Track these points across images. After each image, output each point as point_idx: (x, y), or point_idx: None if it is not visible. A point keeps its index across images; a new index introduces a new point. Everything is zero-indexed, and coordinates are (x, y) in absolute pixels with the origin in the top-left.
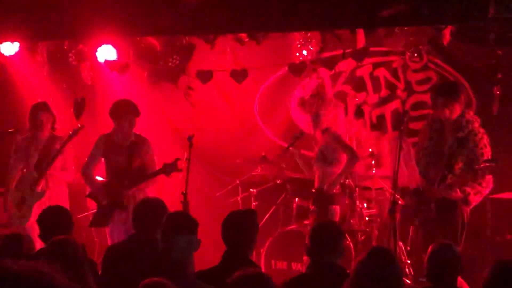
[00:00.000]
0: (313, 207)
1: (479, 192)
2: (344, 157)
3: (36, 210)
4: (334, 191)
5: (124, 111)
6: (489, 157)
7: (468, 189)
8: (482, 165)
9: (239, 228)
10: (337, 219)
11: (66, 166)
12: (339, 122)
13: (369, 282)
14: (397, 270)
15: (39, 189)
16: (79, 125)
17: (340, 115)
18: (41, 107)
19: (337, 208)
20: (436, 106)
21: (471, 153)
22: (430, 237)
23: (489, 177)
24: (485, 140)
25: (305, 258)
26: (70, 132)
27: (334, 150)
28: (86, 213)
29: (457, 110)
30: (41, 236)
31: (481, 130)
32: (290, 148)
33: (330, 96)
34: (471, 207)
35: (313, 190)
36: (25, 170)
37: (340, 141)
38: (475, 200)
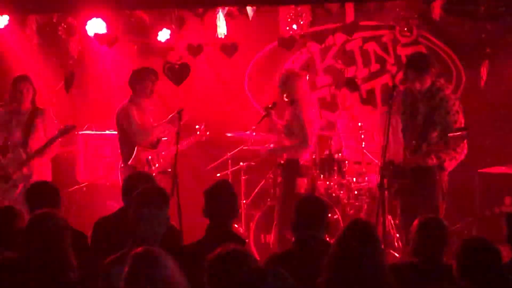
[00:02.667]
0: (280, 179)
1: (454, 157)
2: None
3: (21, 188)
4: (304, 163)
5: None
6: (462, 123)
7: (443, 156)
8: (454, 133)
9: (216, 200)
10: (302, 191)
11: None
12: (303, 92)
13: (347, 256)
14: (375, 243)
15: (26, 171)
16: (72, 125)
17: (304, 85)
18: (22, 79)
19: (304, 180)
20: (407, 79)
21: (444, 120)
22: (409, 208)
23: (463, 143)
24: (457, 106)
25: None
26: (62, 128)
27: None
28: (76, 187)
29: (427, 81)
30: (30, 212)
31: (452, 96)
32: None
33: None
34: (446, 173)
35: (282, 162)
36: (9, 143)
37: (299, 120)
38: (450, 165)
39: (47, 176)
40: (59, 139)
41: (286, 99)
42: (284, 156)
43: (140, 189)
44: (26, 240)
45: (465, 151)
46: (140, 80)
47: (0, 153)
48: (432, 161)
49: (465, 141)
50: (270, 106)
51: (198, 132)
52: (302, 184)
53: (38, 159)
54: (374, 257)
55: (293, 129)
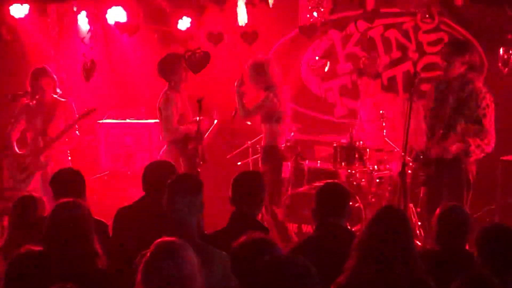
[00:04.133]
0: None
1: (480, 146)
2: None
3: (37, 177)
4: (282, 147)
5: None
6: (492, 117)
7: (470, 140)
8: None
9: (246, 189)
10: (287, 175)
11: (70, 135)
12: (276, 76)
13: (378, 242)
14: (407, 229)
15: (43, 158)
16: (92, 108)
17: (274, 68)
18: (40, 73)
19: (287, 164)
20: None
21: (473, 113)
22: (433, 197)
23: (492, 136)
24: (488, 100)
25: None
26: (83, 112)
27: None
28: (97, 175)
29: (457, 66)
30: (55, 198)
31: (484, 89)
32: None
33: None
34: (472, 160)
35: (260, 150)
36: (28, 134)
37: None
38: (475, 153)
39: (66, 166)
40: (77, 126)
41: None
42: (262, 143)
43: (174, 178)
44: (52, 229)
45: (492, 144)
46: (171, 66)
47: (18, 145)
48: (455, 147)
49: (493, 134)
50: (233, 113)
51: (215, 121)
52: (286, 168)
53: (57, 148)
54: (405, 242)
55: (270, 113)
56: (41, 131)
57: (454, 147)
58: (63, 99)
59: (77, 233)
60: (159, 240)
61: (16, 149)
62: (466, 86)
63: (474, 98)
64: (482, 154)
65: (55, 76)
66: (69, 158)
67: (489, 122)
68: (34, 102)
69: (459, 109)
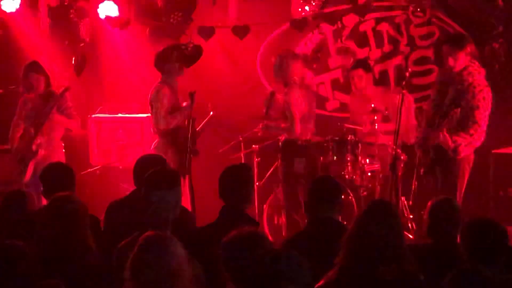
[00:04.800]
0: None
1: (470, 143)
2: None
3: (31, 167)
4: (302, 143)
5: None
6: (487, 109)
7: (459, 140)
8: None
9: (235, 183)
10: (301, 171)
11: (68, 113)
12: (296, 75)
13: (368, 236)
14: (396, 224)
15: (34, 147)
16: (65, 87)
17: (298, 67)
18: (31, 69)
19: (302, 160)
20: (442, 56)
21: (467, 104)
22: (433, 187)
23: (482, 130)
24: (485, 93)
25: None
26: (57, 94)
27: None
28: (89, 170)
29: (461, 60)
30: (44, 193)
31: (483, 82)
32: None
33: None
34: (459, 157)
35: (280, 144)
36: (25, 128)
37: (288, 104)
38: (465, 151)
39: (60, 157)
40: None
41: (281, 81)
42: (282, 137)
43: (149, 172)
44: (47, 223)
45: (482, 138)
46: (166, 59)
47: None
48: (448, 141)
49: (484, 128)
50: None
51: (211, 112)
52: (301, 164)
53: (48, 139)
54: (394, 237)
55: (285, 112)
56: (33, 123)
57: (443, 142)
58: (55, 91)
59: (72, 228)
60: (146, 233)
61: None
62: (466, 77)
63: (471, 90)
64: (471, 150)
65: (45, 71)
66: (63, 150)
67: (481, 115)
68: (28, 97)
69: (457, 100)
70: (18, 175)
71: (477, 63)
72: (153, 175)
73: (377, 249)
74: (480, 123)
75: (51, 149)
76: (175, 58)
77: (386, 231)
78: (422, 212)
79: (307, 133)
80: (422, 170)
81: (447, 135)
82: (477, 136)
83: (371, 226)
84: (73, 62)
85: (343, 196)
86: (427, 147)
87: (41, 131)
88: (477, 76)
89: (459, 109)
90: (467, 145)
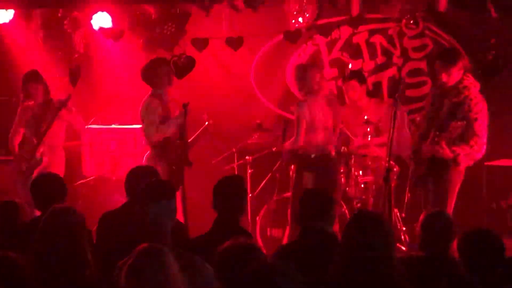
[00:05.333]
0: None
1: (470, 154)
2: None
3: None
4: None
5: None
6: (484, 122)
7: (458, 150)
8: (457, 123)
9: (228, 195)
10: (310, 186)
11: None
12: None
13: (356, 246)
14: (384, 234)
15: (38, 155)
16: (66, 97)
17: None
18: (30, 78)
19: (312, 175)
20: (435, 70)
21: (464, 117)
22: (425, 199)
23: (482, 142)
24: (481, 105)
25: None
26: (58, 105)
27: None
28: (82, 181)
29: (454, 75)
30: (35, 204)
31: (479, 95)
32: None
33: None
34: (461, 168)
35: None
36: (25, 136)
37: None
38: (464, 161)
39: (60, 166)
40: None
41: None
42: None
43: (145, 184)
44: (44, 235)
45: (483, 150)
46: (153, 71)
47: (18, 147)
48: (445, 151)
49: (484, 140)
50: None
51: (206, 123)
52: (309, 179)
53: (51, 148)
54: (382, 249)
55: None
56: (34, 132)
57: (442, 152)
58: (55, 99)
59: (71, 241)
60: (141, 245)
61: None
62: (462, 91)
63: (467, 103)
64: (471, 162)
65: (44, 80)
66: (64, 159)
67: (480, 127)
68: (28, 106)
69: (453, 112)
70: (22, 185)
71: (471, 76)
72: (150, 186)
73: (365, 260)
74: (479, 134)
75: (53, 157)
76: (163, 71)
77: (373, 242)
78: (414, 225)
79: (325, 144)
80: (414, 182)
81: (445, 147)
82: (478, 147)
83: (358, 237)
84: (67, 73)
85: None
86: (420, 160)
87: (43, 141)
88: (473, 89)
89: (459, 123)
90: (466, 155)
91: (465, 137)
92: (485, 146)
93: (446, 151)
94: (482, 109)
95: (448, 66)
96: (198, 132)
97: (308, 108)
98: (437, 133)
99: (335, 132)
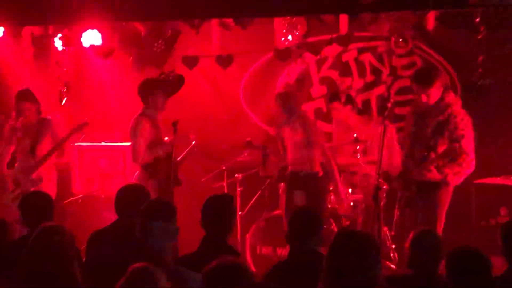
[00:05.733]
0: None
1: (459, 172)
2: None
3: None
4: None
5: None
6: (471, 138)
7: (446, 170)
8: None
9: (217, 214)
10: (301, 203)
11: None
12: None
13: (339, 266)
14: (367, 251)
15: (35, 176)
16: (84, 122)
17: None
18: (22, 96)
19: (301, 193)
20: (414, 92)
21: (452, 134)
22: (413, 219)
23: (471, 159)
24: (466, 121)
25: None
26: (74, 127)
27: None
28: (71, 199)
29: (434, 95)
30: (23, 222)
31: (462, 111)
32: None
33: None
34: (450, 187)
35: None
36: (17, 155)
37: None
38: (454, 180)
39: (53, 186)
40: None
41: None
42: (289, 168)
43: (147, 203)
44: (33, 253)
45: (472, 166)
46: (151, 90)
47: (6, 166)
48: (434, 175)
49: (472, 156)
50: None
51: (193, 142)
52: (300, 197)
53: (46, 168)
54: (364, 268)
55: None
56: (29, 151)
57: (433, 174)
58: (48, 118)
59: (60, 261)
60: (133, 265)
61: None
62: (445, 109)
63: (452, 121)
64: (462, 179)
65: (37, 99)
66: (56, 179)
67: (467, 144)
68: (20, 124)
69: (439, 131)
70: (11, 201)
71: (452, 93)
72: (152, 205)
73: (347, 279)
74: (467, 151)
75: (46, 175)
76: (160, 94)
77: (355, 261)
78: (404, 244)
79: (306, 162)
80: (402, 203)
81: (434, 170)
82: (466, 165)
83: (340, 257)
84: (57, 91)
85: (325, 226)
86: (408, 181)
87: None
88: (455, 106)
89: (454, 145)
90: (456, 174)
91: (452, 156)
92: (473, 162)
93: (435, 174)
94: (468, 125)
95: (425, 87)
96: (185, 152)
97: (286, 128)
98: (425, 154)
99: (316, 149)
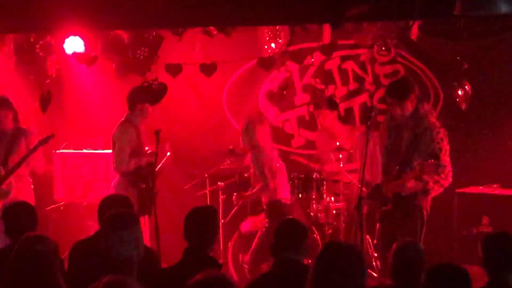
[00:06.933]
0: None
1: (438, 182)
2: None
3: (1, 207)
4: (285, 201)
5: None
6: (447, 151)
7: (426, 178)
8: (429, 162)
9: (199, 227)
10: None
11: (35, 157)
12: (263, 137)
13: (326, 278)
14: (354, 264)
15: (4, 187)
16: (50, 135)
17: (264, 130)
18: None
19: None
20: (388, 104)
21: (428, 148)
22: (389, 233)
23: (448, 170)
24: (442, 134)
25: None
26: (40, 139)
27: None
28: (53, 206)
29: (408, 107)
30: (6, 232)
31: (437, 124)
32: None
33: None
34: (430, 197)
35: (264, 206)
36: None
37: (258, 165)
38: (434, 189)
39: (29, 194)
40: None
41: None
42: (264, 199)
43: (107, 215)
44: (16, 264)
45: (450, 178)
46: (142, 99)
47: None
48: (415, 186)
49: (450, 168)
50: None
51: (168, 153)
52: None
53: (17, 177)
54: (351, 281)
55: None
56: (2, 161)
57: (411, 185)
58: (24, 127)
59: (44, 271)
60: (105, 277)
61: None
62: (420, 121)
63: (428, 133)
64: (441, 189)
65: (14, 107)
66: (32, 186)
67: (445, 156)
68: None
69: (414, 145)
70: None
71: (426, 104)
72: (109, 216)
73: None
74: (445, 163)
75: (20, 186)
76: (147, 103)
77: (341, 273)
78: (387, 254)
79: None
80: (380, 218)
81: (410, 186)
82: (445, 176)
83: (326, 269)
84: (39, 98)
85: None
86: (385, 197)
87: (12, 174)
88: (431, 117)
89: (430, 161)
90: (435, 183)
91: (430, 169)
92: (451, 173)
93: (414, 185)
94: (443, 137)
95: (401, 101)
96: (162, 162)
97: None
98: (400, 168)
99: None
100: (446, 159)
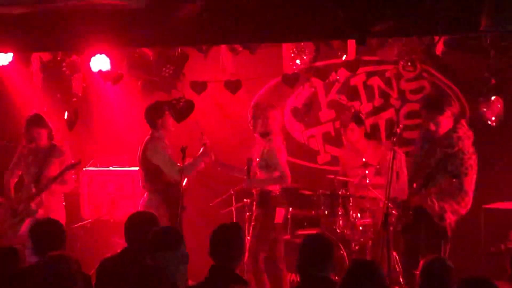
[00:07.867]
0: (257, 211)
1: (456, 211)
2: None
3: (27, 224)
4: (273, 193)
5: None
6: (473, 179)
7: (446, 206)
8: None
9: (225, 244)
10: (280, 221)
11: (65, 178)
12: (277, 124)
13: None
14: (378, 282)
15: (33, 205)
16: (77, 162)
17: (277, 116)
18: (33, 122)
19: (282, 210)
20: (422, 117)
21: (455, 170)
22: (412, 246)
23: (469, 198)
24: (473, 161)
25: None
26: (67, 165)
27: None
28: (80, 223)
29: (443, 124)
30: (34, 250)
31: (471, 149)
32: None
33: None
34: (445, 223)
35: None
36: (25, 179)
37: (274, 154)
38: (450, 218)
39: (60, 211)
40: (71, 175)
41: (259, 131)
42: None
43: (153, 232)
44: (39, 284)
45: (469, 206)
46: (161, 113)
47: (13, 190)
48: (433, 205)
49: (470, 196)
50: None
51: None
52: (280, 214)
53: (48, 195)
54: None
55: (269, 162)
56: (35, 178)
57: (430, 203)
58: (59, 145)
59: None
60: None
61: (13, 195)
62: (455, 142)
63: (460, 156)
64: (457, 217)
65: (48, 124)
66: (63, 203)
67: (469, 183)
68: (29, 148)
69: (443, 164)
70: (9, 229)
71: (465, 125)
72: (158, 235)
73: None
74: (467, 190)
75: (52, 203)
76: (168, 113)
77: None
78: (413, 271)
79: None
80: (403, 229)
81: (434, 201)
82: (464, 204)
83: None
84: (65, 116)
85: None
86: (408, 208)
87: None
88: (467, 141)
89: (454, 181)
90: (453, 212)
91: (452, 192)
92: (470, 202)
93: (435, 206)
94: (473, 164)
95: (434, 115)
96: (199, 154)
97: (277, 145)
98: (423, 182)
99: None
100: (469, 185)
